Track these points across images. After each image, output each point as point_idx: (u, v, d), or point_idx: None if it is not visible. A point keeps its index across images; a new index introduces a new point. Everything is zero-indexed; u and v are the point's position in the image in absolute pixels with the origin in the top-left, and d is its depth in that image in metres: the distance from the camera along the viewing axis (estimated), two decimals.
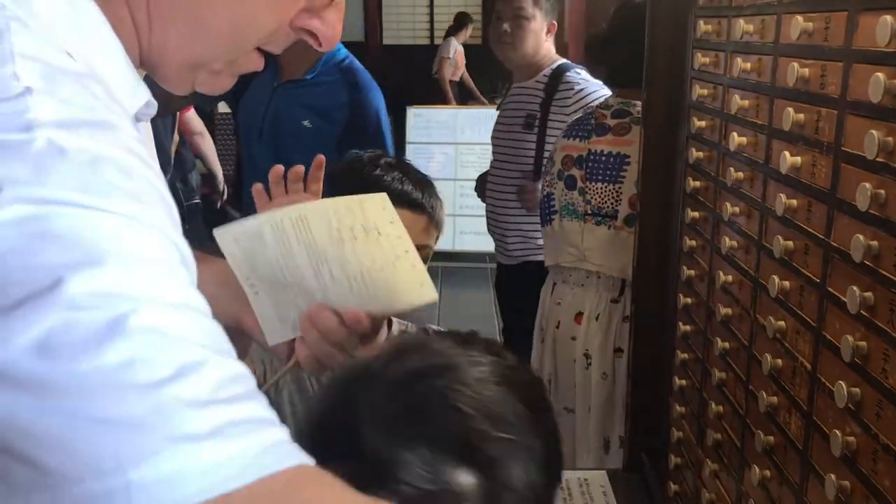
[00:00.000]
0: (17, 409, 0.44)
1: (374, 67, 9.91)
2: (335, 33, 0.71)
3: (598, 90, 2.77)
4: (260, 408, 0.52)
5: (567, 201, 2.36)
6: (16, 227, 0.46)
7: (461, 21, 7.86)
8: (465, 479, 0.67)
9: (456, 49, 7.60)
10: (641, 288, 1.68)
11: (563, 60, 3.00)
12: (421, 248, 1.28)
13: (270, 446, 0.49)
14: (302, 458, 0.52)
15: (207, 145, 4.35)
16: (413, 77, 7.29)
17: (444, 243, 5.23)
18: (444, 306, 4.47)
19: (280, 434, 0.51)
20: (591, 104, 2.57)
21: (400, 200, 1.27)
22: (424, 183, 1.53)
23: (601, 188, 2.28)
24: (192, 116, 4.11)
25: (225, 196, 4.58)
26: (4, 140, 0.48)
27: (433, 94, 7.02)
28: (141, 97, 0.64)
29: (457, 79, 7.67)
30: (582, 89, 2.84)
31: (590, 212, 2.29)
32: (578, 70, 2.92)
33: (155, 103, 0.67)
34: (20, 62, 0.50)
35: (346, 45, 9.51)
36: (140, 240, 0.50)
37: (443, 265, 5.00)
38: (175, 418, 0.46)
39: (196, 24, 0.65)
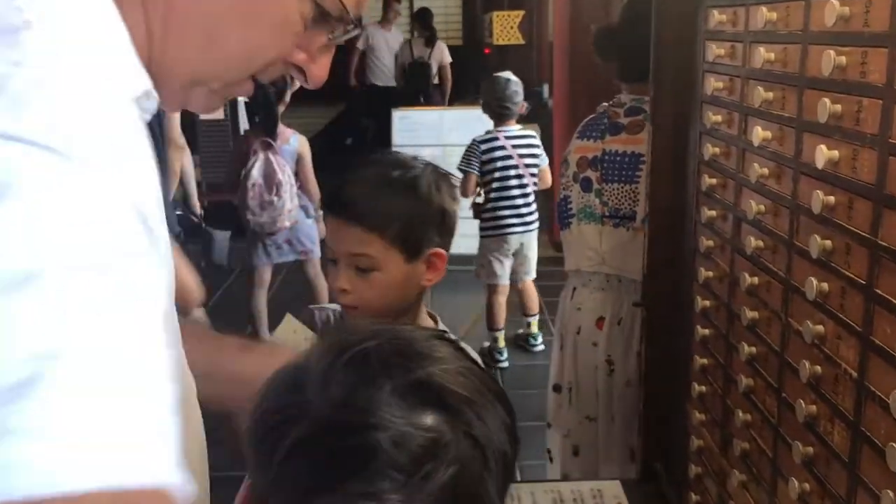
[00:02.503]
0: None
1: (349, 71, 9.75)
2: (324, 74, 0.73)
3: None
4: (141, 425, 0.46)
5: (584, 204, 2.28)
6: None
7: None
8: (437, 421, 0.64)
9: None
10: (653, 291, 1.62)
11: None
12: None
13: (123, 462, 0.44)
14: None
15: (187, 160, 4.14)
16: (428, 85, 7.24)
17: None
18: (437, 310, 4.38)
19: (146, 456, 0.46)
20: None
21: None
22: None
23: (617, 189, 2.19)
24: (175, 124, 3.77)
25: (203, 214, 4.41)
26: None
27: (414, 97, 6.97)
28: (142, 84, 0.62)
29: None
30: None
31: (607, 214, 2.22)
32: None
33: (156, 95, 0.64)
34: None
35: (339, 48, 9.49)
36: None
37: None
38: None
39: (209, 43, 0.65)
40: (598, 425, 2.27)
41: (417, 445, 0.60)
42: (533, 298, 4.23)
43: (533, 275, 4.20)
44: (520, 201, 3.93)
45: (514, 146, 3.93)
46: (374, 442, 0.60)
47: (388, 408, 0.61)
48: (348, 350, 0.65)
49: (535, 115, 6.35)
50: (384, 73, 7.82)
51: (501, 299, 4.13)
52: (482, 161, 3.90)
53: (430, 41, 7.58)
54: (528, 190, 3.95)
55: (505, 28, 7.13)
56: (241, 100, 5.99)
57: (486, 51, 7.91)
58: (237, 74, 0.69)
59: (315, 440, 0.61)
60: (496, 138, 3.93)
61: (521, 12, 7.36)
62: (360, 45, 7.58)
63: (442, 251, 1.34)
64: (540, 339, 4.29)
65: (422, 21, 7.75)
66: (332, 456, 0.60)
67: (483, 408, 0.66)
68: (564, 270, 2.37)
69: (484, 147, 3.91)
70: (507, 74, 4.02)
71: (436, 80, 7.63)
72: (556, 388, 2.36)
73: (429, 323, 1.39)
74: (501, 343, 4.20)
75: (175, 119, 3.73)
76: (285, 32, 0.67)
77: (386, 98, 7.07)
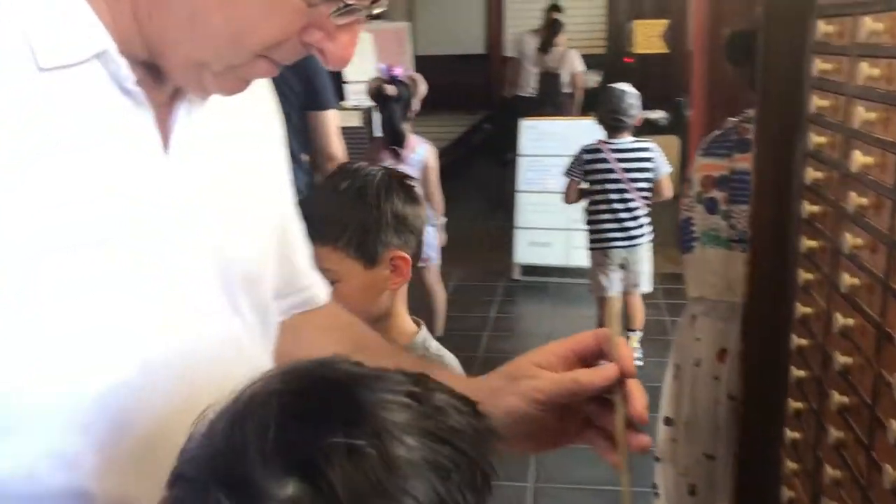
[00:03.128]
0: None
1: (493, 80, 9.93)
2: (345, 55, 0.67)
3: None
4: None
5: (709, 226, 2.12)
6: None
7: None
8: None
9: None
10: (752, 325, 1.50)
11: None
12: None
13: None
14: None
15: None
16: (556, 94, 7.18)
17: (555, 258, 5.11)
18: (550, 323, 4.33)
19: None
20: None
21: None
22: None
23: (747, 211, 2.03)
24: (331, 137, 3.33)
25: None
26: None
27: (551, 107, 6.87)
28: (97, 46, 0.62)
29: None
30: None
31: (735, 237, 2.02)
32: None
33: (119, 60, 0.63)
34: None
35: (467, 57, 9.50)
36: None
37: (554, 280, 4.85)
38: None
39: (192, 22, 0.63)
40: (718, 464, 2.11)
41: None
42: (637, 313, 4.07)
43: (644, 288, 4.04)
44: (623, 215, 3.79)
45: (620, 160, 3.80)
46: None
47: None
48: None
49: (676, 126, 6.11)
50: (529, 82, 7.75)
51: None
52: (585, 171, 3.83)
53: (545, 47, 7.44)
54: (634, 204, 3.80)
55: (647, 37, 6.89)
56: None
57: (627, 60, 7.71)
58: (233, 55, 0.65)
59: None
60: (600, 150, 3.83)
61: (665, 21, 7.11)
62: (510, 52, 7.49)
63: (404, 254, 1.30)
64: (638, 355, 4.11)
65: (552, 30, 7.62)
66: None
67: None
68: (686, 296, 2.23)
69: (587, 157, 3.83)
70: (624, 86, 3.88)
71: (569, 90, 7.46)
72: (669, 422, 2.22)
73: (411, 328, 1.34)
74: None
75: (329, 129, 3.49)
76: (280, 9, 0.63)
77: (527, 107, 6.99)
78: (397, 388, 0.53)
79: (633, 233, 3.84)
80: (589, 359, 0.75)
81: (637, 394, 0.71)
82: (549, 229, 4.31)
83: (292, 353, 0.76)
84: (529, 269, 5.02)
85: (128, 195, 0.64)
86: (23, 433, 0.60)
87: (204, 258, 0.70)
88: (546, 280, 4.83)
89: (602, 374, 0.72)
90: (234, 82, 0.68)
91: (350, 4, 0.63)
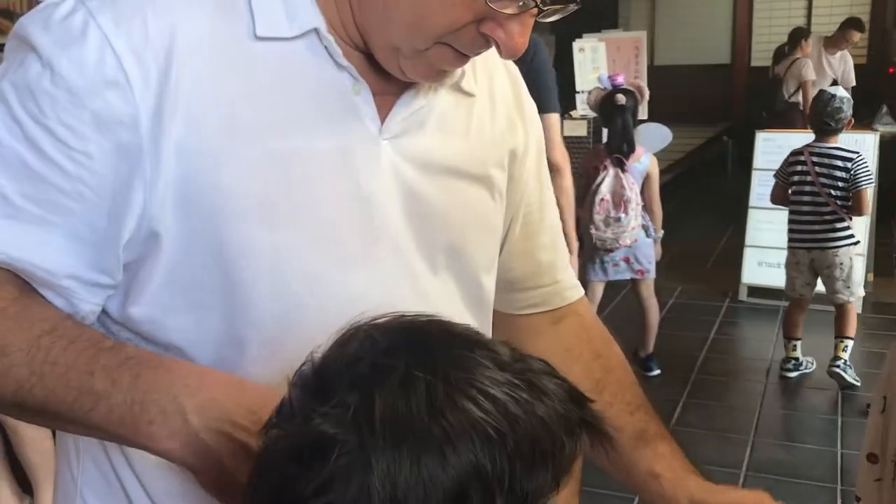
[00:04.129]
0: None
1: (736, 91, 9.45)
2: (514, 44, 0.70)
3: None
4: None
5: None
6: None
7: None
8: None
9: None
10: None
11: None
12: None
13: None
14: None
15: (566, 182, 4.17)
16: (774, 102, 6.72)
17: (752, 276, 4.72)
18: (774, 350, 4.02)
19: None
20: None
21: None
22: None
23: None
24: (553, 145, 3.55)
25: None
26: None
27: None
28: (312, 23, 0.71)
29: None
30: None
31: None
32: None
33: (329, 37, 0.71)
34: None
35: (709, 67, 9.04)
36: None
37: (784, 305, 4.49)
38: None
39: (384, 9, 0.70)
40: None
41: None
42: (845, 323, 3.80)
43: (845, 298, 3.73)
44: (811, 217, 3.79)
45: (815, 163, 3.77)
46: None
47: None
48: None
49: None
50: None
51: (794, 310, 3.89)
52: (788, 173, 3.88)
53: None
54: (825, 209, 3.75)
55: None
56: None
57: (891, 70, 7.01)
58: (417, 39, 0.70)
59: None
60: (801, 153, 3.85)
61: None
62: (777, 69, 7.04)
63: None
64: (842, 366, 3.70)
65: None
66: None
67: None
68: None
69: (791, 159, 3.89)
70: (835, 89, 3.84)
71: (794, 99, 6.85)
72: (873, 459, 2.00)
73: None
74: (792, 353, 3.86)
75: (550, 134, 3.56)
76: (455, 2, 0.67)
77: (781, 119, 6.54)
78: (497, 347, 0.53)
79: (819, 235, 3.81)
80: None
81: None
82: (781, 248, 4.04)
83: (531, 346, 0.82)
84: (757, 291, 4.73)
85: (343, 162, 0.73)
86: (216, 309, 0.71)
87: (400, 224, 0.77)
88: (775, 304, 4.51)
89: None
90: (426, 69, 0.73)
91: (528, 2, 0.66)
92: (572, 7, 0.71)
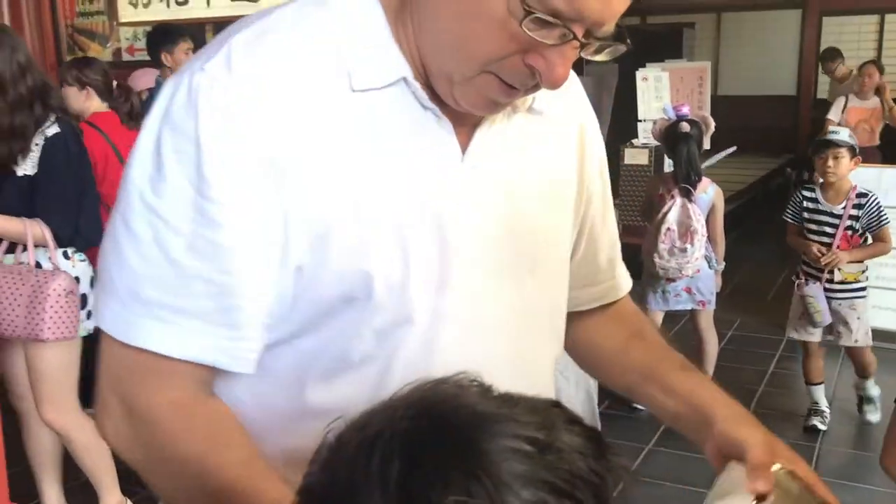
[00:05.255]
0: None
1: (802, 123, 9.27)
2: (554, 74, 0.73)
3: None
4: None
5: None
6: None
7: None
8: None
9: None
10: None
11: None
12: None
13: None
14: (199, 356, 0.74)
15: None
16: None
17: None
18: (836, 387, 3.95)
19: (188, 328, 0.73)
20: None
21: None
22: None
23: None
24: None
25: None
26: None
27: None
28: (400, 72, 0.77)
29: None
30: None
31: None
32: None
33: (415, 82, 0.77)
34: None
35: (777, 98, 8.87)
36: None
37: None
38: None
39: (436, 38, 0.76)
40: None
41: None
42: (859, 364, 3.69)
43: (858, 342, 3.60)
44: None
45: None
46: None
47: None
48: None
49: None
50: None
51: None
52: (802, 209, 3.70)
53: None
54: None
55: None
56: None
57: None
58: (465, 66, 0.75)
59: None
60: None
61: None
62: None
63: None
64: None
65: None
66: None
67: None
68: None
69: (804, 195, 3.75)
70: (840, 129, 3.71)
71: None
72: None
73: None
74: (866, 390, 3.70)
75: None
76: (498, 29, 0.71)
77: None
78: (521, 432, 0.52)
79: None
80: None
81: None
82: None
83: (584, 336, 1.03)
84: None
85: (427, 191, 0.79)
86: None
87: (487, 245, 0.83)
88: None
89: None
90: (475, 97, 0.77)
91: (549, 21, 0.69)
92: (621, 48, 0.74)
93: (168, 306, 0.73)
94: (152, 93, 4.11)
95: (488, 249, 0.83)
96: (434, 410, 0.54)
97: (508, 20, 0.70)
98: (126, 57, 6.49)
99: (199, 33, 5.12)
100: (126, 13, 6.21)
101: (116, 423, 0.76)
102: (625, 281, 1.06)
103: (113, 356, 0.76)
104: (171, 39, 4.08)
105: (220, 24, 5.99)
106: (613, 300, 1.05)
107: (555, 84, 0.74)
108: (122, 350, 0.75)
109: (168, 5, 6.01)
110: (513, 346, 0.86)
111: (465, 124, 0.81)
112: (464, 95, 0.77)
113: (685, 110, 3.87)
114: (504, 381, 0.57)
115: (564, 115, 0.91)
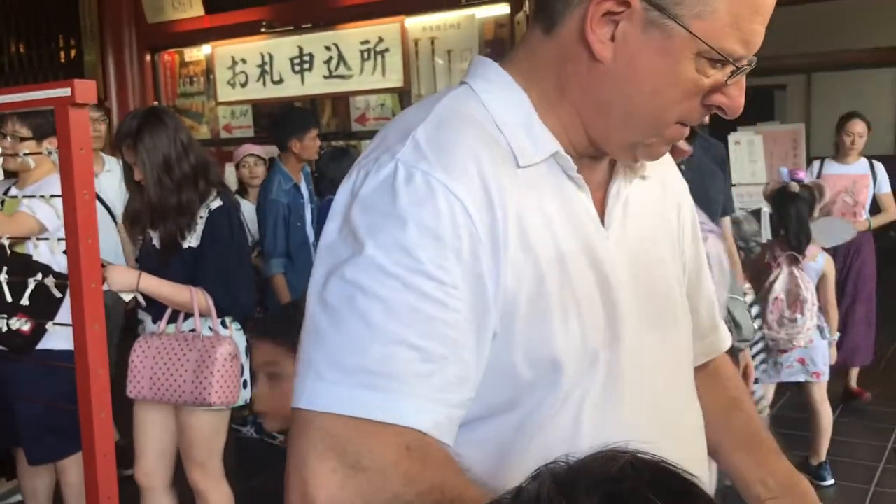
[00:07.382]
0: None
1: None
2: (737, 105, 0.84)
3: None
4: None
5: None
6: None
7: None
8: None
9: None
10: None
11: None
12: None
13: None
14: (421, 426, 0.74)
15: None
16: None
17: None
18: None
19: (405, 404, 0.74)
20: None
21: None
22: None
23: None
24: None
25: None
26: None
27: None
28: (550, 148, 0.85)
29: None
30: None
31: None
32: None
33: (566, 156, 0.86)
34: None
35: (875, 158, 8.76)
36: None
37: None
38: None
39: (628, 118, 0.84)
40: None
41: None
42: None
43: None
44: None
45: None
46: None
47: None
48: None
49: None
50: None
51: None
52: None
53: None
54: None
55: None
56: (766, 210, 5.88)
57: None
58: (660, 129, 0.85)
59: None
60: None
61: None
62: None
63: None
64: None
65: None
66: None
67: None
68: None
69: None
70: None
71: None
72: None
73: None
74: None
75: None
76: (692, 88, 0.81)
77: None
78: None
79: None
80: None
81: None
82: None
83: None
84: None
85: (592, 257, 0.86)
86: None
87: (633, 305, 0.89)
88: None
89: None
90: (661, 148, 0.88)
91: (738, 68, 0.80)
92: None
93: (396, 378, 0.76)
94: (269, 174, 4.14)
95: (641, 309, 0.89)
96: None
97: (698, 78, 0.80)
98: (224, 135, 6.74)
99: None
100: (224, 93, 6.48)
101: (335, 485, 0.74)
102: (725, 335, 1.15)
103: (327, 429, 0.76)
104: (302, 127, 4.03)
105: (314, 101, 6.21)
106: (716, 354, 1.14)
107: (738, 112, 0.84)
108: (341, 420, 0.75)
109: (265, 84, 6.25)
110: (670, 394, 0.94)
111: (594, 190, 0.89)
112: (648, 153, 0.88)
113: (801, 175, 3.78)
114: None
115: (663, 179, 1.00)
